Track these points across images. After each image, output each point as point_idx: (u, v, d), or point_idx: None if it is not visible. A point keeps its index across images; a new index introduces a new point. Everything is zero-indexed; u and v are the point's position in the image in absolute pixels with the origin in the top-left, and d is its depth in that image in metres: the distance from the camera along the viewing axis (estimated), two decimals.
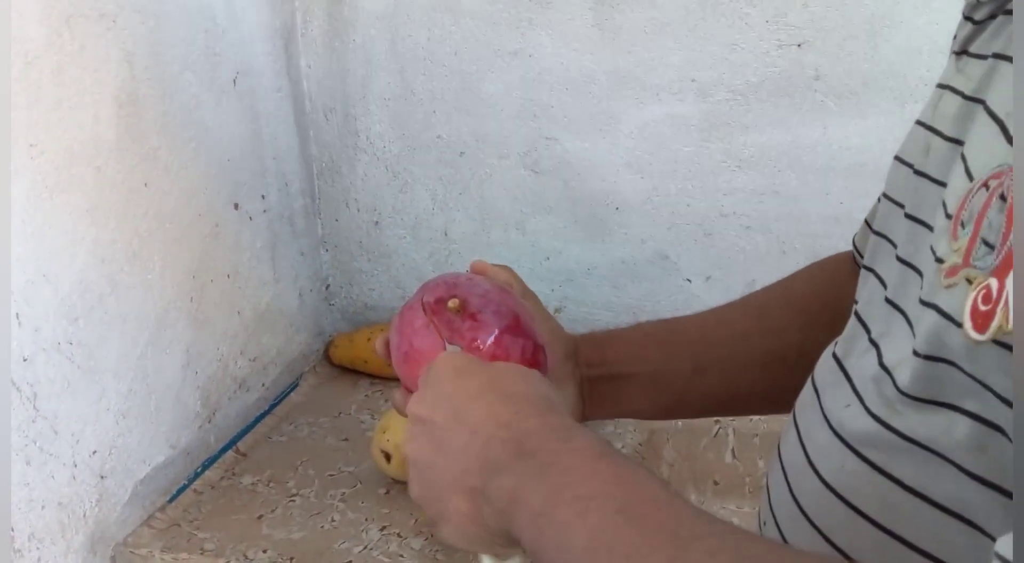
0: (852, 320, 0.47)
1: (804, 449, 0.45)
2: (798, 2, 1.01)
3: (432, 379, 0.49)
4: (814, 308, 0.62)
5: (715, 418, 1.07)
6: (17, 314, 0.72)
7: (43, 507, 0.76)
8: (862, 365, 0.42)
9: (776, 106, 1.05)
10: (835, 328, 0.49)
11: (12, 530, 0.73)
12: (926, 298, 0.38)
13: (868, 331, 0.44)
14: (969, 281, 0.35)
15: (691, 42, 1.05)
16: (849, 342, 0.46)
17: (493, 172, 1.15)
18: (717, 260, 1.12)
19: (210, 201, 0.97)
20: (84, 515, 0.81)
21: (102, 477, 0.83)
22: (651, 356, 0.61)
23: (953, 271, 0.36)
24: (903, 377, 0.38)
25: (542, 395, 0.47)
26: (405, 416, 0.53)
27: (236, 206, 1.03)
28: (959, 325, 0.34)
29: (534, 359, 0.54)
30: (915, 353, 0.37)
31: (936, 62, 0.99)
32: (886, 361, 0.40)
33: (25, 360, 0.74)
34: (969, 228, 0.36)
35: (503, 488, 0.42)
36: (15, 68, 0.71)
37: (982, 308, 0.34)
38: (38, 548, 0.76)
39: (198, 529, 0.88)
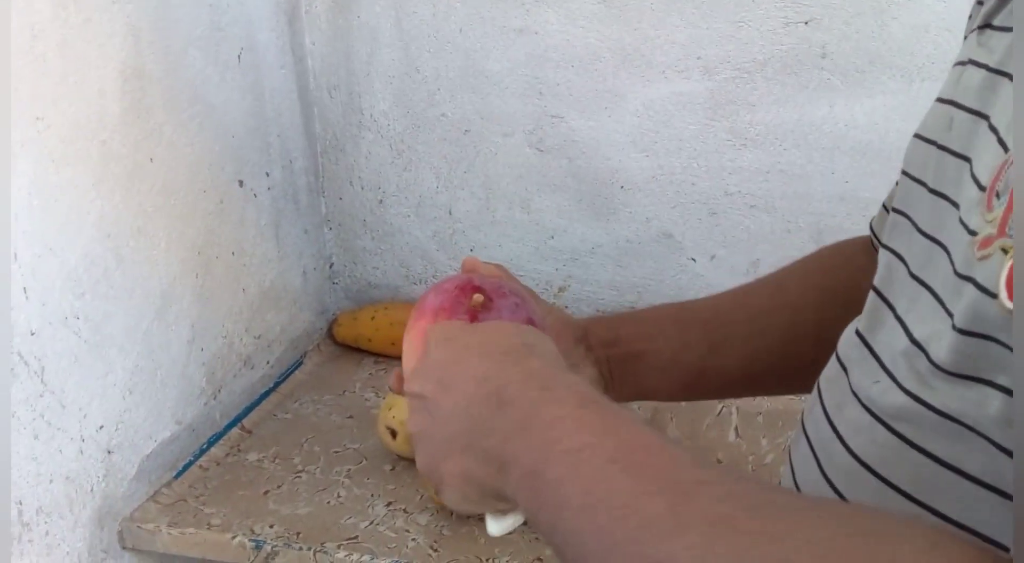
0: (872, 298, 0.47)
1: (832, 424, 0.45)
2: None
3: (425, 354, 0.49)
4: (830, 287, 0.62)
5: None
6: (25, 288, 0.72)
7: (51, 481, 0.76)
8: (890, 341, 0.42)
9: (782, 84, 1.04)
10: (852, 308, 0.49)
11: (20, 503, 0.73)
12: (962, 271, 0.37)
13: (893, 308, 0.44)
14: (1004, 251, 0.34)
15: (697, 19, 1.04)
16: (872, 319, 0.45)
17: (498, 150, 1.15)
18: (722, 239, 1.12)
19: (215, 177, 0.97)
20: (91, 489, 0.81)
21: (109, 452, 0.83)
22: (667, 333, 0.61)
23: (987, 242, 0.36)
24: (939, 351, 0.37)
25: (524, 343, 0.46)
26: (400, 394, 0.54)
27: (241, 183, 1.02)
28: (994, 296, 0.34)
29: None
30: (955, 328, 0.36)
31: (943, 40, 0.99)
32: (917, 336, 0.40)
33: (33, 334, 0.74)
34: (1005, 198, 0.35)
35: (491, 449, 0.42)
36: (21, 40, 0.70)
37: None
38: (46, 522, 0.76)
39: (204, 504, 0.89)
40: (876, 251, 0.64)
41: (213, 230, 0.97)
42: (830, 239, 1.08)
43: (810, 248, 1.09)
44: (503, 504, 0.46)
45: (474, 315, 0.52)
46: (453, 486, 0.45)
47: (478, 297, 0.53)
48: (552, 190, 1.15)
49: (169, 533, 0.84)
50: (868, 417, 0.42)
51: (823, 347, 0.50)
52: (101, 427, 0.82)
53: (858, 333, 0.46)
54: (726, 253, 1.12)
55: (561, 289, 1.19)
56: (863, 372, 0.44)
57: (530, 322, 0.53)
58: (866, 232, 1.06)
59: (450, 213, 1.20)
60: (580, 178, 1.14)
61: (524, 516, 0.47)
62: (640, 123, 1.09)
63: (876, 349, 0.44)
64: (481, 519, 0.85)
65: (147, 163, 0.85)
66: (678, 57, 1.06)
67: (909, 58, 1.01)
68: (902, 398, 0.39)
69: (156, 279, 0.88)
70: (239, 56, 1.00)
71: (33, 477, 0.75)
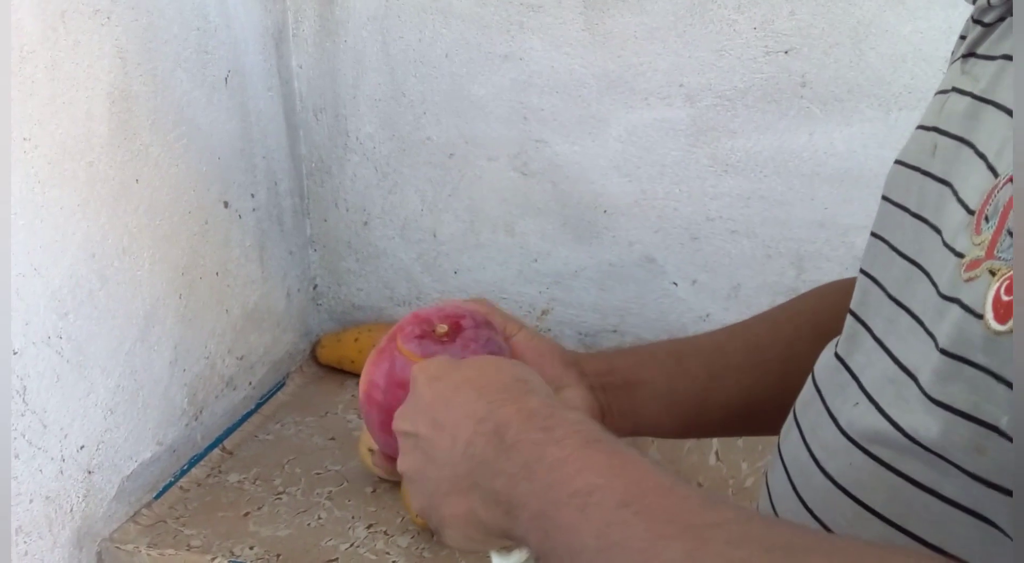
0: (849, 321, 0.47)
1: (808, 447, 0.45)
2: (785, 9, 1.02)
3: (412, 392, 0.48)
4: (825, 323, 0.63)
5: None
6: (8, 307, 0.72)
7: (31, 501, 0.76)
8: (870, 364, 0.43)
9: (763, 112, 1.06)
10: None
11: None
12: (947, 293, 0.38)
13: (870, 330, 0.45)
14: (992, 273, 0.35)
15: (679, 47, 1.06)
16: (850, 342, 0.46)
17: (482, 174, 1.16)
18: (703, 264, 1.13)
19: (200, 198, 0.98)
20: (71, 510, 0.81)
21: (89, 472, 0.83)
22: (663, 362, 0.59)
23: (975, 264, 0.36)
24: (926, 378, 0.37)
25: (516, 379, 0.46)
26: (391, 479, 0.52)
27: (226, 204, 1.03)
28: (980, 317, 0.34)
29: None
30: (938, 349, 0.37)
31: (920, 70, 1.01)
32: (905, 362, 0.40)
33: (15, 353, 0.74)
34: (994, 222, 0.36)
35: (499, 491, 0.41)
36: (10, 62, 0.71)
37: (1004, 298, 0.34)
38: (25, 542, 0.76)
39: (184, 526, 0.88)
40: None
41: (197, 251, 0.97)
42: (810, 265, 1.11)
43: (790, 273, 1.12)
44: (507, 542, 0.45)
45: (438, 341, 0.54)
46: (455, 527, 0.44)
47: (441, 327, 0.55)
48: (536, 214, 1.16)
49: (148, 554, 0.84)
50: (844, 440, 0.42)
51: None
52: (82, 447, 0.82)
53: (837, 356, 0.47)
54: (707, 278, 1.14)
55: (544, 312, 1.20)
56: (841, 395, 0.44)
57: (497, 354, 0.54)
58: (844, 259, 1.09)
59: (434, 236, 1.20)
60: (564, 202, 1.15)
61: (526, 554, 0.46)
62: (623, 148, 1.11)
63: (855, 372, 0.44)
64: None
65: (133, 184, 0.86)
66: (661, 84, 1.07)
67: (886, 87, 1.03)
68: (880, 422, 0.40)
69: (140, 300, 0.88)
70: (226, 79, 1.01)
71: (13, 497, 0.74)
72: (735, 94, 1.06)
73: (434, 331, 0.55)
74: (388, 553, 0.84)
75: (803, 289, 1.11)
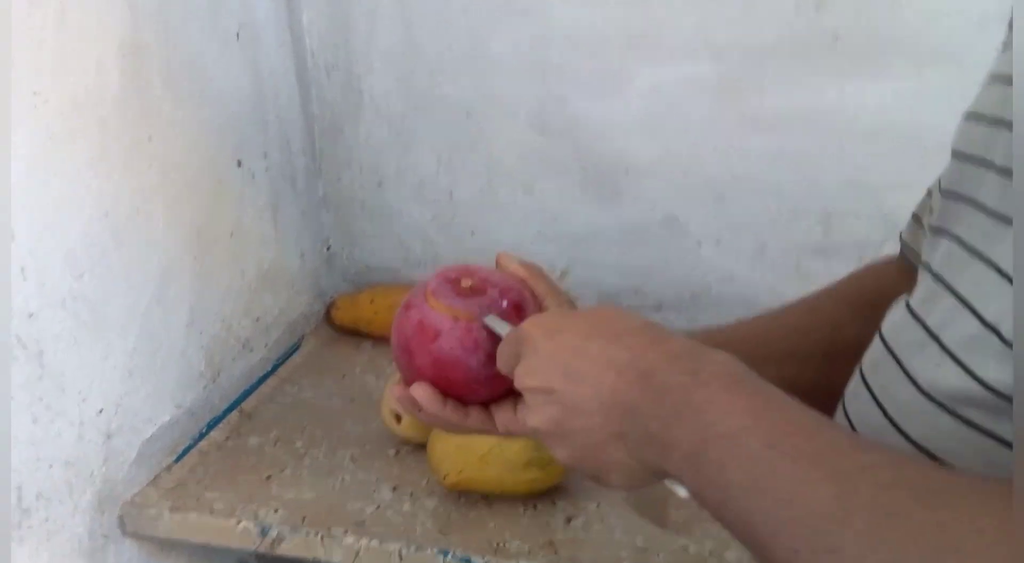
0: (928, 281, 0.45)
1: (882, 408, 0.43)
2: None
3: (527, 349, 0.48)
4: (865, 306, 0.61)
5: None
6: (23, 268, 0.70)
7: (50, 466, 0.74)
8: (954, 322, 0.41)
9: (792, 68, 1.03)
10: None
11: (19, 489, 0.71)
12: None
13: (954, 290, 0.43)
14: None
15: (706, 1, 1.02)
16: (930, 303, 0.44)
17: (500, 132, 1.13)
18: (728, 223, 1.11)
19: (213, 157, 0.95)
20: (91, 474, 0.79)
21: (109, 436, 0.81)
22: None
23: None
24: (1008, 329, 0.36)
25: (645, 324, 0.45)
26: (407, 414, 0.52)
27: (239, 163, 1.00)
28: None
29: None
30: None
31: (956, 25, 0.98)
32: (988, 317, 0.38)
33: (31, 316, 0.71)
34: None
35: (648, 434, 0.42)
36: (18, 11, 0.68)
37: None
38: (46, 508, 0.74)
39: (206, 489, 0.87)
40: (908, 264, 0.63)
41: (211, 211, 0.95)
42: (838, 224, 1.09)
43: (817, 232, 1.09)
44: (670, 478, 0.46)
45: (464, 296, 0.53)
46: (618, 472, 0.45)
47: (466, 281, 0.54)
48: (555, 173, 1.14)
49: (172, 518, 0.82)
50: (927, 402, 0.40)
51: None
52: (101, 411, 0.80)
53: (914, 315, 0.45)
54: (732, 237, 1.11)
55: (564, 272, 1.18)
56: (920, 355, 0.42)
57: (519, 312, 0.53)
58: (873, 218, 1.06)
59: (451, 196, 1.18)
60: (584, 161, 1.12)
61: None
62: (647, 106, 1.08)
63: (935, 331, 0.42)
64: (488, 502, 0.84)
65: (146, 141, 0.83)
66: (686, 39, 1.04)
67: (920, 44, 1.00)
68: (970, 384, 0.38)
69: (155, 260, 0.86)
70: (237, 33, 0.98)
71: (32, 462, 0.73)
72: (764, 50, 1.03)
73: (460, 286, 0.54)
74: (416, 515, 0.83)
75: (830, 250, 1.09)
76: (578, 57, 1.08)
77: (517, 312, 0.54)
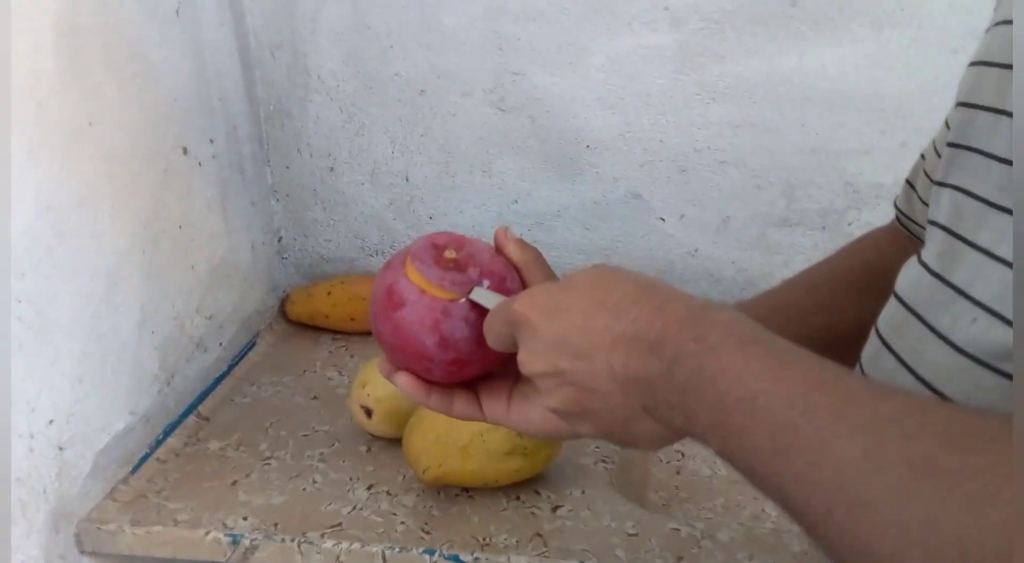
0: (941, 236, 0.43)
1: (913, 371, 0.42)
2: None
3: (524, 333, 0.46)
4: (861, 282, 0.59)
5: None
6: None
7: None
8: (984, 277, 0.39)
9: (752, 34, 1.01)
10: (887, 298, 0.46)
11: None
12: None
13: (972, 243, 0.41)
14: None
15: None
16: (947, 258, 0.42)
17: (456, 111, 1.09)
18: (691, 197, 1.09)
19: (158, 143, 0.89)
20: (44, 491, 0.73)
21: (61, 448, 0.75)
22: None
23: None
24: None
25: (643, 287, 0.43)
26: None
27: (185, 150, 0.94)
28: None
29: None
30: None
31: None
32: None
33: None
34: None
35: (671, 404, 0.41)
36: None
37: None
38: None
39: (167, 500, 0.82)
40: (904, 232, 0.62)
41: (159, 201, 0.89)
42: (801, 193, 1.08)
43: (780, 203, 1.08)
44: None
45: (443, 267, 0.51)
46: (651, 442, 0.45)
47: (450, 252, 0.52)
48: (515, 152, 1.10)
49: (133, 533, 0.77)
50: (965, 360, 0.38)
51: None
52: (51, 421, 0.74)
53: (932, 272, 0.43)
54: (696, 211, 1.10)
55: None
56: (949, 313, 0.40)
57: (503, 288, 0.51)
58: (836, 186, 1.06)
59: (407, 179, 1.14)
60: (544, 138, 1.09)
61: None
62: (606, 78, 1.05)
63: (961, 287, 0.40)
64: (470, 495, 0.81)
65: (86, 127, 0.77)
66: (645, 8, 1.02)
67: (878, 4, 0.99)
68: (1011, 335, 0.36)
69: (102, 256, 0.80)
70: (177, 11, 0.92)
71: None
72: (723, 16, 1.01)
73: (443, 256, 0.52)
74: (395, 514, 0.79)
75: (794, 219, 1.08)
76: (535, 29, 1.04)
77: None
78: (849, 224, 1.07)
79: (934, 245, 0.44)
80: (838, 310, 0.59)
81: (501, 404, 0.53)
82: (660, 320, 0.41)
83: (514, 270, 0.53)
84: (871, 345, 0.46)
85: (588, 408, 0.44)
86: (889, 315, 0.46)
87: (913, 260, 0.46)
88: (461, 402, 0.53)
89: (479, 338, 0.50)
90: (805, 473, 0.35)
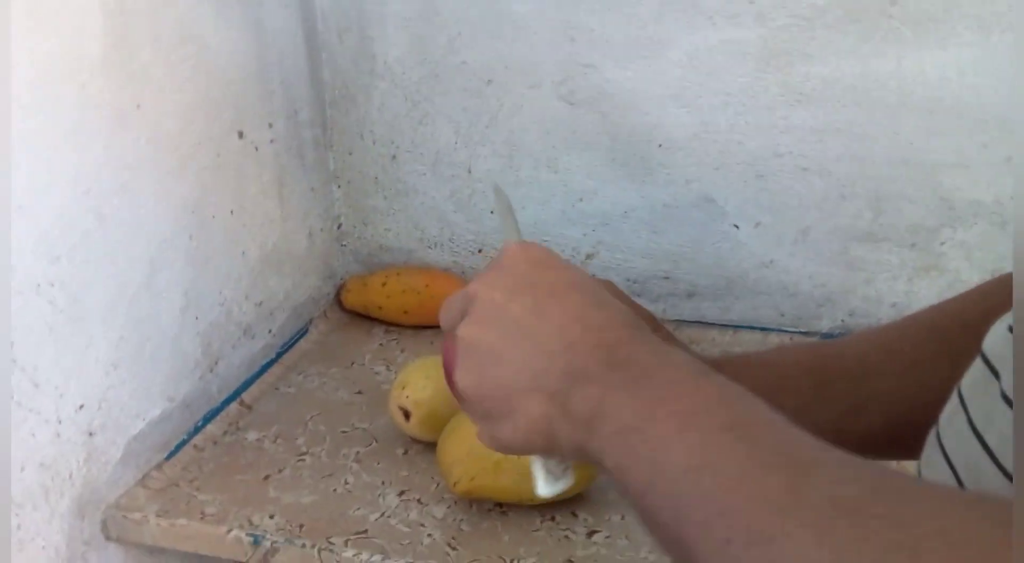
0: None
1: (981, 438, 0.36)
2: None
3: (506, 264, 0.44)
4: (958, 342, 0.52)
5: None
6: None
7: (22, 469, 0.68)
8: None
9: (844, 33, 0.93)
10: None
11: None
12: None
13: None
14: None
15: None
16: None
17: (523, 103, 1.05)
18: (769, 205, 1.02)
19: (210, 128, 0.87)
20: (70, 476, 0.73)
21: (90, 434, 0.74)
22: (799, 386, 0.51)
23: None
24: None
25: (627, 310, 0.42)
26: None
27: (240, 134, 0.92)
28: None
29: None
30: None
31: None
32: None
33: None
34: None
35: (587, 398, 0.38)
36: None
37: None
38: (17, 515, 0.68)
39: (198, 490, 0.80)
40: None
41: (208, 187, 0.88)
42: (889, 207, 0.99)
43: (866, 216, 1.00)
44: (558, 465, 0.45)
45: None
46: (519, 429, 0.41)
47: None
48: (582, 148, 1.05)
49: (158, 524, 0.76)
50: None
51: None
52: (81, 407, 0.73)
53: (983, 358, 0.37)
54: (773, 220, 1.02)
55: (589, 256, 1.09)
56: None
57: None
58: (929, 202, 0.97)
59: (469, 171, 1.10)
60: (614, 135, 1.03)
61: (572, 482, 0.45)
62: (683, 74, 0.99)
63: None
64: (503, 511, 0.77)
65: (133, 110, 0.76)
66: (728, 1, 0.95)
67: (988, 5, 0.90)
68: None
69: (143, 241, 0.79)
70: None
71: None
72: (813, 12, 0.93)
73: None
74: (423, 525, 0.76)
75: (880, 235, 1.00)
76: (609, 20, 0.98)
77: None
78: (942, 243, 0.98)
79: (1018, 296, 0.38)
80: (960, 359, 0.49)
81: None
82: (628, 331, 0.40)
83: None
84: (950, 405, 0.41)
85: (497, 356, 0.41)
86: (971, 373, 0.40)
87: (1005, 318, 0.39)
88: None
89: None
90: (716, 496, 0.33)
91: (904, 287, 1.01)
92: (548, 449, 0.42)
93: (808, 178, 1.00)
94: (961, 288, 1.01)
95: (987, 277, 0.98)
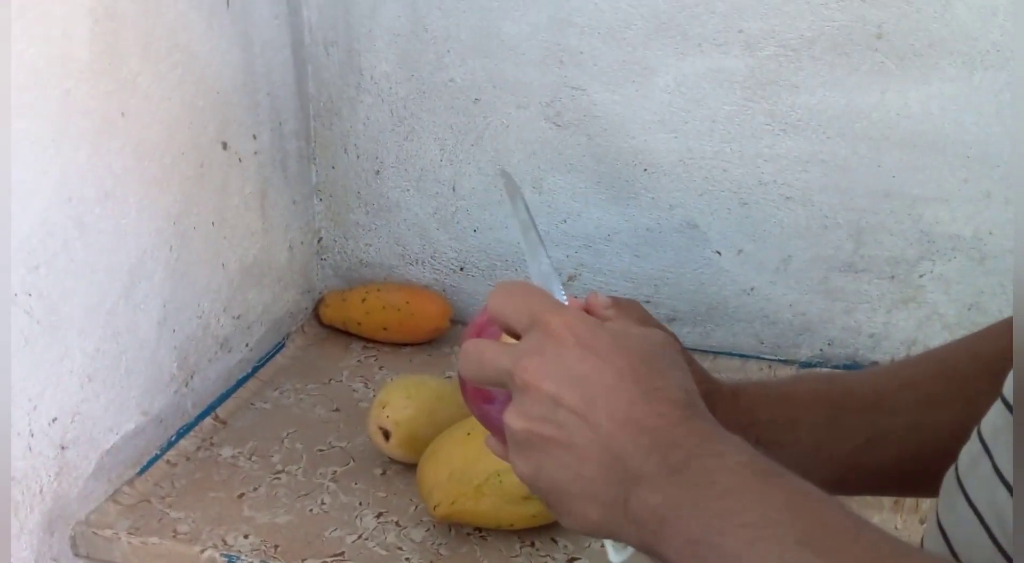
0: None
1: (977, 513, 0.37)
2: None
3: (551, 347, 0.40)
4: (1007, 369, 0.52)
5: None
6: None
7: None
8: None
9: (831, 65, 0.94)
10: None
11: None
12: None
13: None
14: None
15: None
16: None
17: (510, 122, 1.04)
18: (751, 232, 1.03)
19: (195, 138, 0.86)
20: (40, 491, 0.71)
21: (63, 448, 0.73)
22: (815, 418, 0.51)
23: None
24: None
25: (683, 389, 0.40)
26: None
27: (224, 145, 0.91)
28: None
29: None
30: None
31: (1012, 25, 0.90)
32: None
33: None
34: None
35: (648, 507, 0.37)
36: None
37: None
38: None
39: (170, 507, 0.79)
40: None
41: (191, 197, 0.86)
42: (870, 238, 1.00)
43: (847, 247, 1.01)
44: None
45: None
46: (581, 526, 0.40)
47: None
48: (568, 169, 1.05)
49: (129, 542, 0.74)
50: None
51: None
52: (54, 420, 0.71)
53: (1004, 402, 0.37)
54: (755, 248, 1.03)
55: (571, 278, 1.09)
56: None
57: None
58: (909, 234, 0.98)
59: (453, 189, 1.09)
60: (599, 158, 1.04)
61: None
62: (670, 100, 0.99)
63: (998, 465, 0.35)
64: (482, 536, 0.77)
65: (118, 118, 0.74)
66: (717, 29, 0.95)
67: (972, 43, 0.91)
68: None
69: (124, 251, 0.77)
70: (227, 2, 0.89)
71: None
72: (801, 43, 0.94)
73: None
74: (400, 548, 0.75)
75: (860, 266, 1.01)
76: (598, 44, 0.99)
77: None
78: (921, 276, 1.00)
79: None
80: (975, 400, 0.48)
81: None
82: (683, 426, 0.38)
83: None
84: (971, 447, 0.40)
85: (551, 452, 0.39)
86: (992, 419, 0.40)
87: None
88: None
89: None
90: None
91: (883, 318, 1.02)
92: (613, 538, 0.41)
93: (791, 207, 1.01)
94: (938, 321, 1.04)
95: (964, 311, 1.01)
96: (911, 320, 1.01)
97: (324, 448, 0.89)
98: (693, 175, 1.02)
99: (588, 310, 0.47)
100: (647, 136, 1.01)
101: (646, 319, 0.50)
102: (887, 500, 0.97)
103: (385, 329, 1.08)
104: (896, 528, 0.95)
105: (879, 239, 1.00)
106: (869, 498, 0.96)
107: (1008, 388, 0.39)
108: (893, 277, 1.01)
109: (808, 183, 0.99)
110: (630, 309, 0.49)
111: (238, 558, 0.72)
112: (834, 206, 0.99)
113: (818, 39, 0.94)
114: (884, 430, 0.51)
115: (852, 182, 0.98)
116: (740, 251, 1.04)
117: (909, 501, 0.89)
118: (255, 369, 1.01)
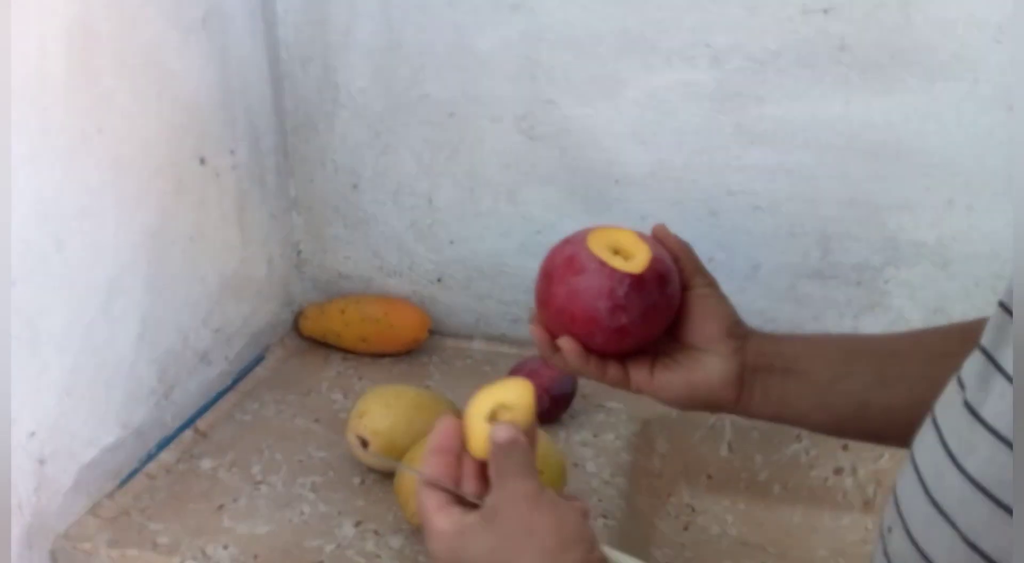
0: (999, 314, 0.40)
1: (945, 445, 0.39)
2: None
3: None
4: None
5: None
6: None
7: None
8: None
9: (796, 78, 0.97)
10: None
11: None
12: None
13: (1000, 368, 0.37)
14: None
15: (707, 3, 0.96)
16: (997, 332, 0.39)
17: (485, 136, 1.06)
18: (721, 241, 1.05)
19: (173, 153, 0.87)
20: (19, 506, 0.71)
21: (41, 462, 0.73)
22: (831, 356, 0.58)
23: None
24: None
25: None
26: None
27: (202, 161, 0.92)
28: None
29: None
30: None
31: (971, 37, 0.92)
32: None
33: None
34: None
35: None
36: None
37: None
38: None
39: (150, 519, 0.79)
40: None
41: (169, 212, 0.87)
42: (836, 246, 1.03)
43: (815, 254, 1.03)
44: None
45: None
46: None
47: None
48: (542, 181, 1.07)
49: (109, 555, 0.75)
50: (988, 434, 0.36)
51: None
52: (33, 434, 0.72)
53: (981, 348, 0.40)
54: (725, 256, 1.05)
55: None
56: (985, 386, 0.38)
57: (662, 282, 0.60)
58: (874, 241, 1.00)
59: (430, 202, 1.11)
60: (573, 169, 1.06)
61: None
62: (640, 113, 1.01)
63: (1001, 363, 0.38)
64: None
65: (95, 134, 0.75)
66: (685, 43, 0.98)
67: (933, 55, 0.94)
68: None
69: (101, 266, 0.78)
70: (203, 19, 0.90)
71: None
72: (767, 56, 0.97)
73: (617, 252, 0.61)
74: (379, 556, 0.76)
75: (827, 273, 1.03)
76: (570, 58, 1.01)
77: (660, 282, 0.59)
78: (886, 282, 1.02)
79: (996, 320, 0.41)
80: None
81: (645, 373, 0.60)
82: None
83: (675, 262, 0.63)
84: (926, 424, 0.43)
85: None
86: (945, 394, 0.42)
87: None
88: (613, 369, 0.60)
89: (645, 313, 0.57)
90: None
91: (851, 323, 1.04)
92: None
93: (759, 216, 1.03)
94: (904, 325, 1.06)
95: (929, 315, 1.03)
96: (878, 325, 1.03)
97: (303, 458, 0.90)
98: (663, 186, 1.04)
99: (657, 235, 0.64)
100: (618, 148, 1.03)
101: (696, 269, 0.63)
102: (857, 501, 0.99)
103: (364, 340, 1.09)
104: (867, 528, 0.97)
105: (845, 246, 1.02)
106: (841, 500, 0.99)
107: (987, 338, 0.41)
108: (859, 283, 1.03)
109: (775, 192, 1.01)
110: (685, 244, 0.63)
111: None
112: (801, 214, 1.02)
113: (783, 52, 0.96)
114: (895, 374, 0.56)
115: (818, 191, 1.00)
116: (710, 259, 1.05)
117: (880, 502, 0.91)
118: (235, 381, 1.02)
